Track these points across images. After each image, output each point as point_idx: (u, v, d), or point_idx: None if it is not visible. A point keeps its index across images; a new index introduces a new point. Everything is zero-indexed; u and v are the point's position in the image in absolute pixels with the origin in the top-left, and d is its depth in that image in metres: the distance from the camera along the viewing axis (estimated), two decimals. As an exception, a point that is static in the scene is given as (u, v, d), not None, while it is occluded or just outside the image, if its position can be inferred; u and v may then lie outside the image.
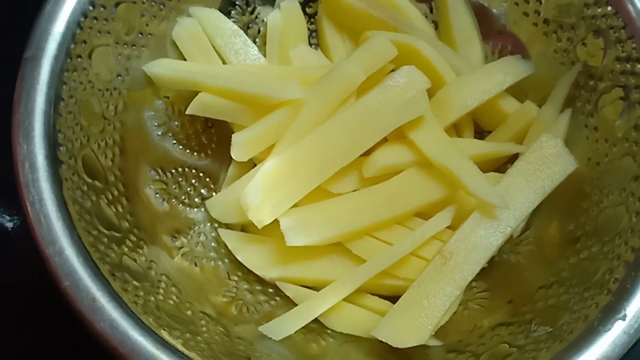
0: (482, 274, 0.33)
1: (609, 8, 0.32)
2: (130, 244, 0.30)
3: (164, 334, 0.26)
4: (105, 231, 0.29)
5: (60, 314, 0.37)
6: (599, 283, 0.28)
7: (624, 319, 0.26)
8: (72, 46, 0.29)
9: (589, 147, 0.33)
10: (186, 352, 0.25)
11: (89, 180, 0.29)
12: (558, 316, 0.28)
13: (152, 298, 0.28)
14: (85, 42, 0.30)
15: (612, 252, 0.29)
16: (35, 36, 0.29)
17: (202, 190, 0.37)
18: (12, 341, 0.38)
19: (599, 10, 0.32)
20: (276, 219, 0.31)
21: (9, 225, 0.41)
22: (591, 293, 0.28)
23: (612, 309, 0.26)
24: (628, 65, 0.31)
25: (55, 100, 0.28)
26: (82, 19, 0.30)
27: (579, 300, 0.28)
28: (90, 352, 0.37)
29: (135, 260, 0.29)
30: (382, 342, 0.30)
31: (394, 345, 0.29)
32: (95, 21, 0.31)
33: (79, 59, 0.30)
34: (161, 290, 0.29)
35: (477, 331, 0.31)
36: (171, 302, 0.29)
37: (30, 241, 0.39)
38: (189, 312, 0.29)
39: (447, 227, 0.32)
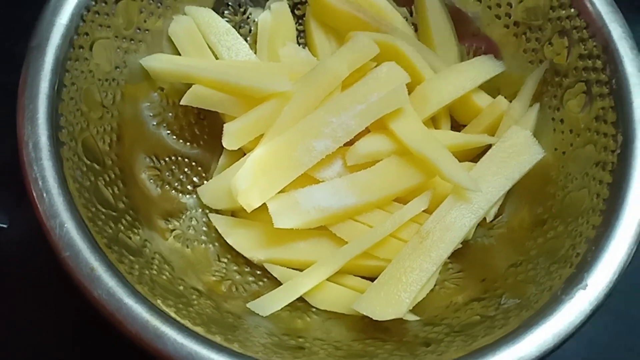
0: (458, 256, 0.35)
1: (572, 10, 0.34)
2: (126, 223, 0.31)
3: (158, 302, 0.27)
4: (102, 209, 0.30)
5: (47, 312, 0.39)
6: (563, 258, 0.30)
7: (584, 289, 0.27)
8: (75, 37, 0.31)
9: (555, 138, 0.35)
10: (179, 319, 0.27)
11: (88, 162, 0.31)
12: (526, 289, 0.30)
13: (147, 272, 0.30)
14: (87, 34, 0.32)
15: (575, 230, 0.30)
16: (40, 27, 0.31)
17: (194, 178, 0.38)
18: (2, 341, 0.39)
19: (563, 12, 0.35)
20: (264, 205, 0.33)
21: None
22: (556, 267, 0.30)
23: (574, 280, 0.28)
24: (590, 62, 0.33)
25: (58, 86, 0.30)
26: (85, 13, 0.32)
27: (545, 274, 0.30)
28: (78, 350, 0.38)
29: (130, 238, 0.31)
30: (362, 318, 0.31)
31: (374, 318, 0.30)
32: (97, 15, 0.33)
33: (81, 50, 0.32)
34: (155, 267, 0.31)
35: (452, 307, 0.33)
36: (164, 277, 0.31)
37: (18, 245, 0.39)
38: (181, 287, 0.31)
39: (424, 211, 0.34)
